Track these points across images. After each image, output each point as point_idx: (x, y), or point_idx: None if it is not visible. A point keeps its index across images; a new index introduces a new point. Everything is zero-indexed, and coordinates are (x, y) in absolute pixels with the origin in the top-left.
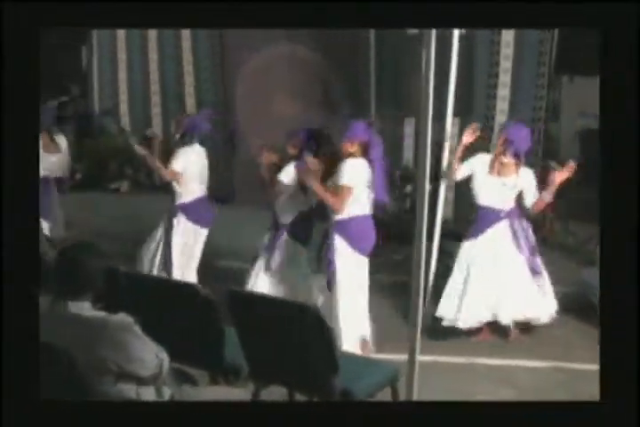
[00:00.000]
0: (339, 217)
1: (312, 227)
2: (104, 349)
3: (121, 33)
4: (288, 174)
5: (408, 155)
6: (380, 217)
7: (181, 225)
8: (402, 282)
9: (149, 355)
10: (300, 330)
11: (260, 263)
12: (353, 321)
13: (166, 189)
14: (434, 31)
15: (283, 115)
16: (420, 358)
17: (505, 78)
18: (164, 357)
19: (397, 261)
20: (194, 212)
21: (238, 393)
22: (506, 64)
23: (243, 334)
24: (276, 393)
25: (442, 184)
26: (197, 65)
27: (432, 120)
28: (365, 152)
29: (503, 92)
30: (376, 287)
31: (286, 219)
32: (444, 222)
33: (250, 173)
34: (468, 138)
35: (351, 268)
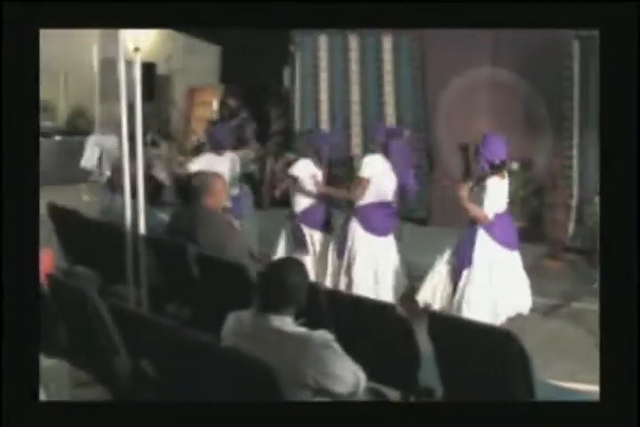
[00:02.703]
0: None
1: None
2: (304, 364)
3: (323, 54)
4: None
5: None
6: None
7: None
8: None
9: (348, 373)
10: (499, 356)
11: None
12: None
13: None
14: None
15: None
16: None
17: None
18: (362, 375)
19: (596, 289)
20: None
21: None
22: None
23: (440, 357)
24: None
25: None
26: (398, 86)
27: None
28: None
29: None
30: (571, 315)
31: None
32: None
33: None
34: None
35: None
